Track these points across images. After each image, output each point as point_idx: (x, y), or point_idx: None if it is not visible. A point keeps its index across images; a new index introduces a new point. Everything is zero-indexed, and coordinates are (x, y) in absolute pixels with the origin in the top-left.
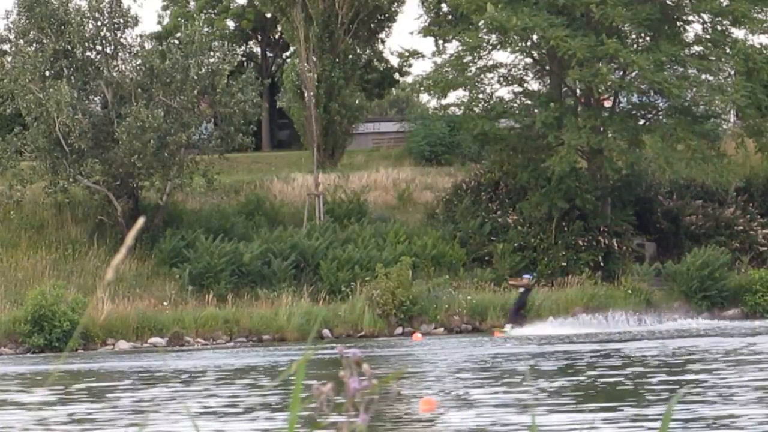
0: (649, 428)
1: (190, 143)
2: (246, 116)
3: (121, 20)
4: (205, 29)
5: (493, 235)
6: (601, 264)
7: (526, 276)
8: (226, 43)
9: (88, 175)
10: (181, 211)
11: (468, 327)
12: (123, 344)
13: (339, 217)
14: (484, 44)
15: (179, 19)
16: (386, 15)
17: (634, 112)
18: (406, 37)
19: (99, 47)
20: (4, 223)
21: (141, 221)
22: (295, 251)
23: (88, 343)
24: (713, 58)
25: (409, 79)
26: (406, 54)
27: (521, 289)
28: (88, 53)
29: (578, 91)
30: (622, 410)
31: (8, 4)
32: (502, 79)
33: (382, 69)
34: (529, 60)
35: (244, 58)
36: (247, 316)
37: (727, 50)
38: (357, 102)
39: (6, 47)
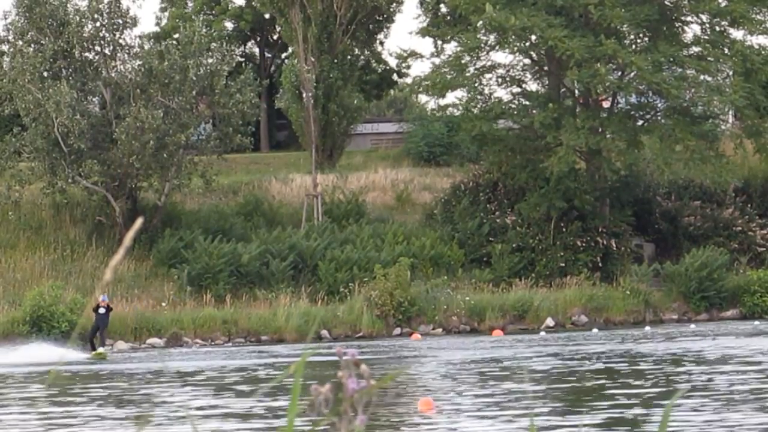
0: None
1: (188, 144)
2: (244, 117)
3: (120, 21)
4: (204, 30)
5: (491, 235)
6: (600, 265)
7: (104, 298)
8: (224, 43)
9: (87, 176)
10: (179, 211)
11: (466, 328)
12: (121, 345)
13: (337, 217)
14: (483, 45)
15: (177, 20)
16: (384, 16)
17: (632, 112)
18: (405, 38)
19: (98, 48)
20: (2, 224)
21: (139, 222)
22: (294, 252)
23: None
24: (712, 59)
25: (407, 80)
26: (405, 55)
27: (102, 310)
28: (86, 54)
29: (577, 91)
30: (618, 412)
31: (7, 5)
32: (500, 79)
33: (380, 70)
34: (527, 60)
35: (242, 59)
36: (245, 317)
37: (726, 51)
38: (355, 103)
39: (4, 48)
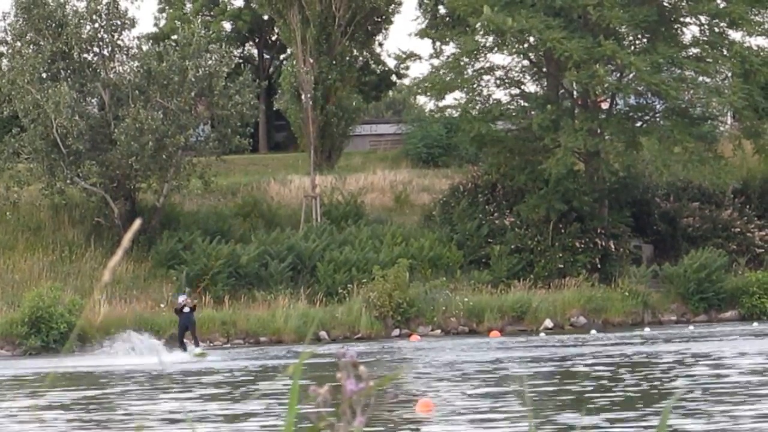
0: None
1: (187, 145)
2: (243, 118)
3: (119, 22)
4: (202, 31)
5: (490, 237)
6: (598, 266)
7: (185, 297)
8: (223, 45)
9: (86, 177)
10: (178, 213)
11: (465, 329)
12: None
13: (336, 219)
14: (481, 46)
15: (176, 21)
16: (383, 17)
17: (631, 114)
18: (404, 39)
19: (96, 49)
20: (1, 225)
21: (138, 223)
22: (292, 253)
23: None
24: (710, 60)
25: (406, 81)
26: (403, 56)
27: (186, 309)
28: (85, 55)
29: (575, 93)
30: (616, 413)
31: (6, 6)
32: (499, 81)
33: (379, 71)
34: (526, 62)
35: (241, 61)
36: (244, 318)
37: (725, 52)
38: (354, 104)
39: (3, 49)
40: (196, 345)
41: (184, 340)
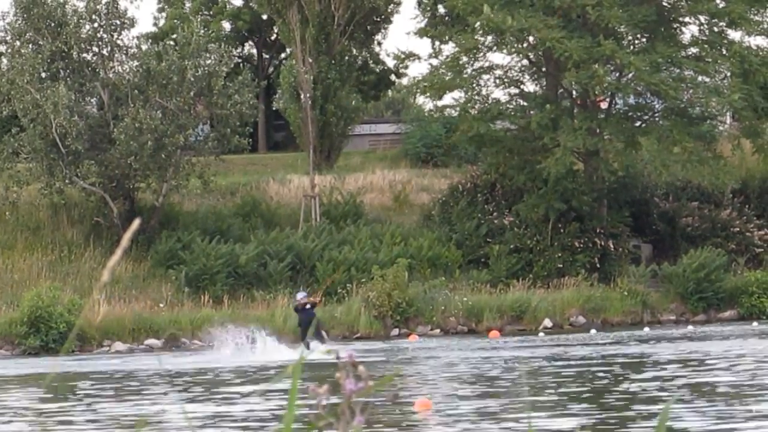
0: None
1: (186, 145)
2: (242, 118)
3: (118, 22)
4: (201, 31)
5: (489, 236)
6: (598, 266)
7: (305, 295)
8: (222, 44)
9: (85, 177)
10: (177, 212)
11: (464, 329)
12: (119, 346)
13: (335, 218)
14: (480, 46)
15: (175, 20)
16: (382, 16)
17: (630, 113)
18: (403, 39)
19: (95, 49)
20: (0, 225)
21: (137, 223)
22: (291, 253)
23: (84, 345)
24: (709, 60)
25: (405, 81)
26: (402, 56)
27: (308, 306)
28: (84, 55)
29: (574, 92)
30: (616, 414)
31: (5, 5)
32: (498, 80)
33: (378, 71)
34: (525, 62)
35: (240, 60)
36: (243, 318)
37: (724, 52)
38: (353, 103)
39: (2, 48)
40: (321, 342)
41: (307, 338)
